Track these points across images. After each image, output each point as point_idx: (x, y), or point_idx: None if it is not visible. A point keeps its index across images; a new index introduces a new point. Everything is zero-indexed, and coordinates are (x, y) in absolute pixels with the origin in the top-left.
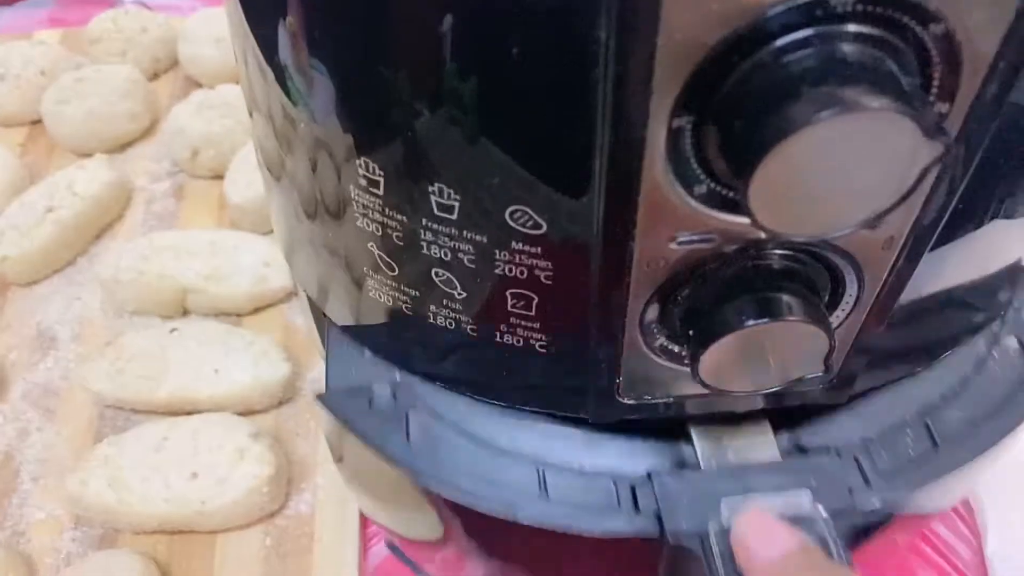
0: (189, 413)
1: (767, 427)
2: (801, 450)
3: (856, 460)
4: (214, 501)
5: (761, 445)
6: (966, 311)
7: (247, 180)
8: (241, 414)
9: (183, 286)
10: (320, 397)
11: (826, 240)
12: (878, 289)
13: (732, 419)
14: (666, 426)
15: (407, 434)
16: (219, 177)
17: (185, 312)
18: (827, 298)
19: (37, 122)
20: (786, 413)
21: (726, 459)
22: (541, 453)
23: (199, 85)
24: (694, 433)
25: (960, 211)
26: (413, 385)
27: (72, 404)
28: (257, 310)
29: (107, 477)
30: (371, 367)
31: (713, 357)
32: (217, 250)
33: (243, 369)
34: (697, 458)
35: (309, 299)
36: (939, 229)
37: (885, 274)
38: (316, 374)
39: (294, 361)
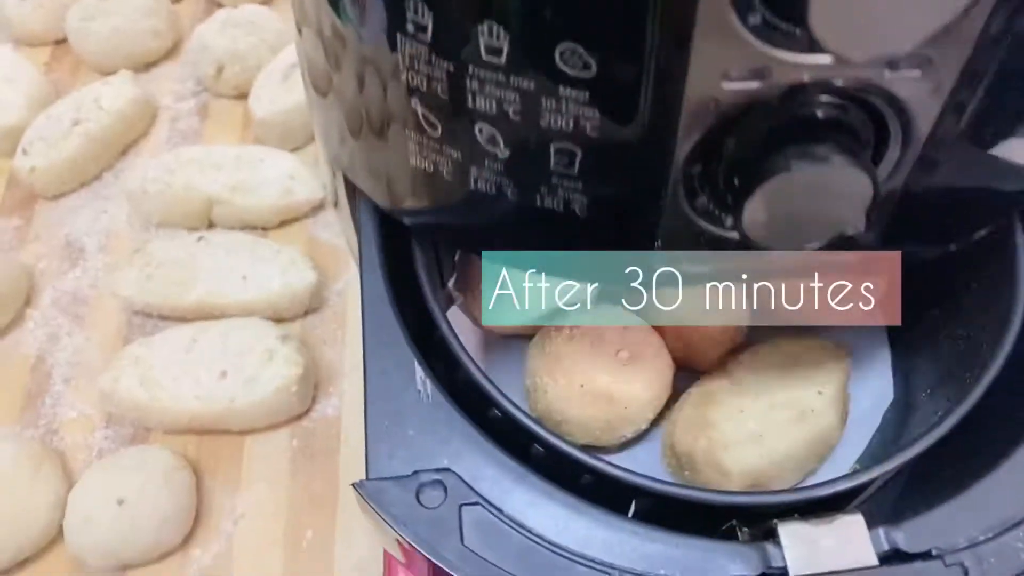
0: (217, 319)
1: (862, 525)
2: (900, 554)
3: (963, 567)
4: (244, 399)
5: (856, 548)
6: (1006, 189)
7: (271, 96)
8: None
9: (209, 197)
10: (360, 487)
11: (875, 83)
12: (922, 144)
13: (824, 515)
14: (751, 521)
15: (461, 536)
16: (243, 96)
17: (211, 225)
18: (871, 154)
19: (61, 41)
20: (882, 509)
21: (818, 564)
22: (614, 557)
23: (220, 6)
24: (782, 533)
25: (1005, 79)
26: (464, 468)
27: (101, 311)
28: (282, 224)
29: (138, 376)
30: (416, 446)
31: (757, 205)
32: (242, 164)
33: (271, 276)
34: (785, 563)
35: (347, 186)
36: (987, 80)
37: (931, 125)
38: (342, 285)
39: (320, 272)
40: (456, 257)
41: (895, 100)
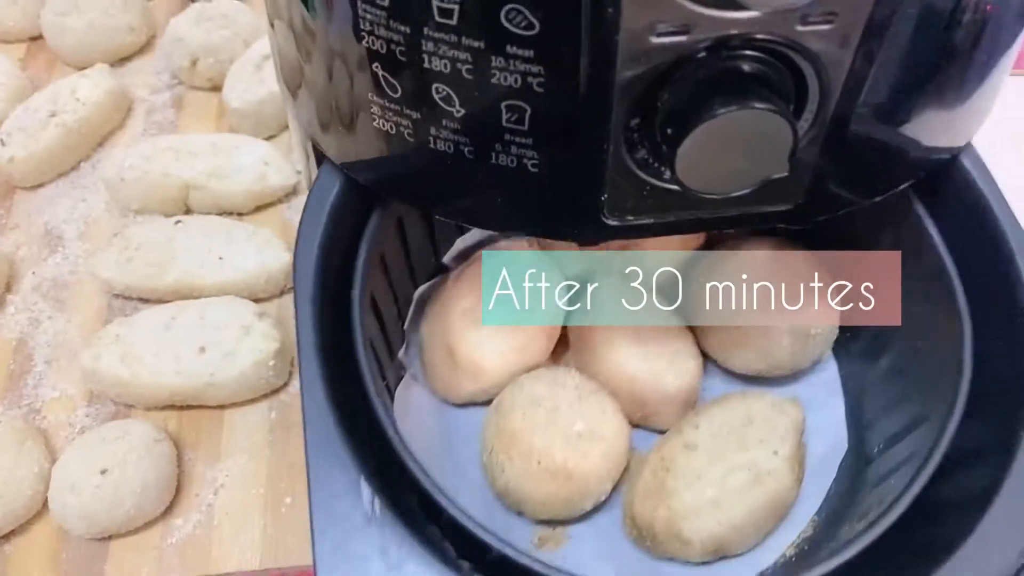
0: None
1: None
2: None
3: None
4: (223, 373)
5: None
6: (920, 143)
7: (245, 87)
8: None
9: (186, 183)
10: None
11: (790, 37)
12: (837, 97)
13: None
14: None
15: None
16: (216, 88)
17: (187, 211)
18: (793, 107)
19: (36, 38)
20: None
21: None
22: None
23: (194, 0)
24: None
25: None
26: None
27: (82, 295)
28: (257, 209)
29: (119, 353)
30: (367, 572)
31: (689, 151)
32: (218, 151)
33: (247, 257)
34: None
35: (315, 148)
36: (888, 37)
37: (843, 79)
38: None
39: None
40: (404, 326)
41: (809, 53)
